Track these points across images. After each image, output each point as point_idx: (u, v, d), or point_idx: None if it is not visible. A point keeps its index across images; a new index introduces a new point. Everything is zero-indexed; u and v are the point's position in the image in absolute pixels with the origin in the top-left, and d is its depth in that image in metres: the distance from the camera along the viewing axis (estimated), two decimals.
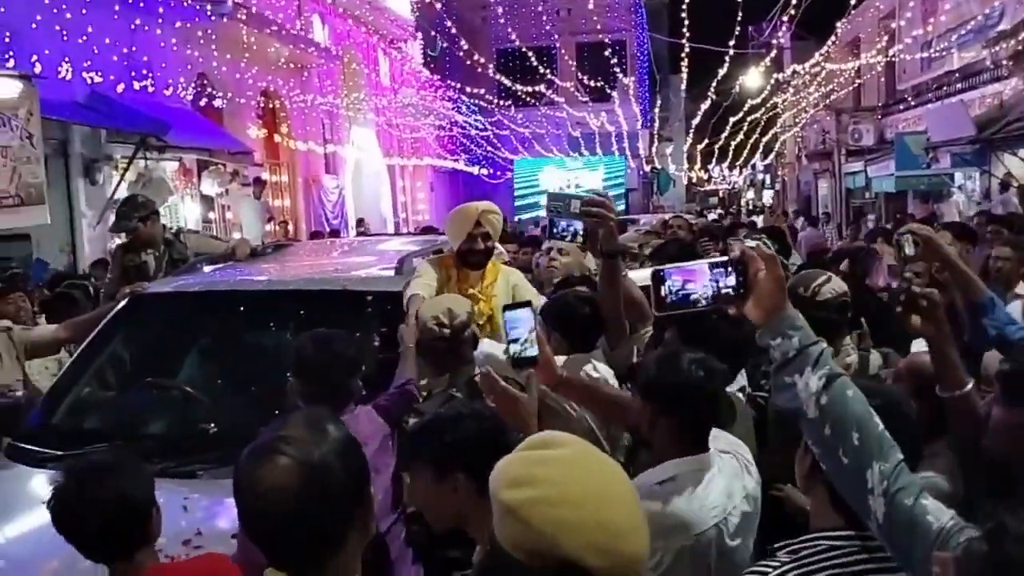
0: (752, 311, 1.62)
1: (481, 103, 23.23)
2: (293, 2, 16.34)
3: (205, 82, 12.94)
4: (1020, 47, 12.77)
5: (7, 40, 8.74)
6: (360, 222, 18.25)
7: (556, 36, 26.77)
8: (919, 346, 2.76)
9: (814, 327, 1.66)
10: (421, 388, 3.04)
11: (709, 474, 2.06)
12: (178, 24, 11.75)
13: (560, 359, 2.83)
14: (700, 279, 1.63)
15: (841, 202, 24.69)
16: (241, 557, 2.19)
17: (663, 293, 1.62)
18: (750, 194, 50.28)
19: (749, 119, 25.47)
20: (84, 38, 9.74)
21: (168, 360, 3.95)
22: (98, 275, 7.40)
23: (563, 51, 26.76)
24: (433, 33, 23.42)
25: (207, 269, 4.54)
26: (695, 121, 27.54)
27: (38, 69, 8.67)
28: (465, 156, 27.53)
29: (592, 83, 23.49)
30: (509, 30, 21.05)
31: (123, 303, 4.09)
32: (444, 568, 2.36)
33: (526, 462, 1.23)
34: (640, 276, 2.87)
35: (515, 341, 2.09)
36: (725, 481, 2.08)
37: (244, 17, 12.52)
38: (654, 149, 32.26)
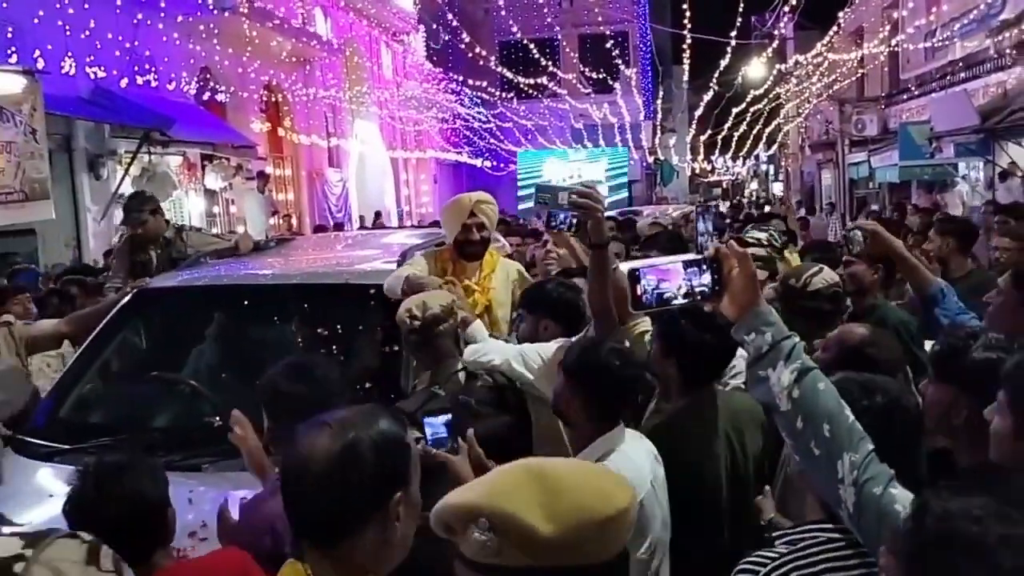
0: (727, 308, 1.67)
1: (484, 95, 23.21)
2: None
3: (208, 76, 12.96)
4: (1023, 36, 12.73)
5: (9, 35, 8.76)
6: (378, 215, 18.34)
7: (558, 28, 26.69)
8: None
9: (807, 317, 1.72)
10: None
11: (625, 444, 2.31)
12: (180, 18, 11.77)
13: (550, 345, 2.92)
14: (674, 278, 1.67)
15: (845, 192, 24.62)
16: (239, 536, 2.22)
17: (639, 291, 1.66)
18: (753, 185, 50.17)
19: (752, 110, 25.41)
20: (87, 33, 9.76)
21: (173, 354, 3.98)
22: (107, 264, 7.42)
23: (565, 43, 26.70)
24: (435, 26, 23.38)
25: (211, 263, 4.57)
26: (698, 112, 27.44)
27: (41, 64, 8.70)
28: (468, 148, 27.52)
29: (595, 75, 23.46)
30: (511, 22, 21.00)
31: (128, 298, 4.11)
32: None
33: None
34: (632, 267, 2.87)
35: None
36: (642, 447, 2.37)
37: (246, 11, 12.53)
38: (657, 140, 32.21)
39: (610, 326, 2.74)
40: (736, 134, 31.28)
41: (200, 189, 12.36)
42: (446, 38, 23.06)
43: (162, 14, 11.35)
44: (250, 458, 2.52)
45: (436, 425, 2.16)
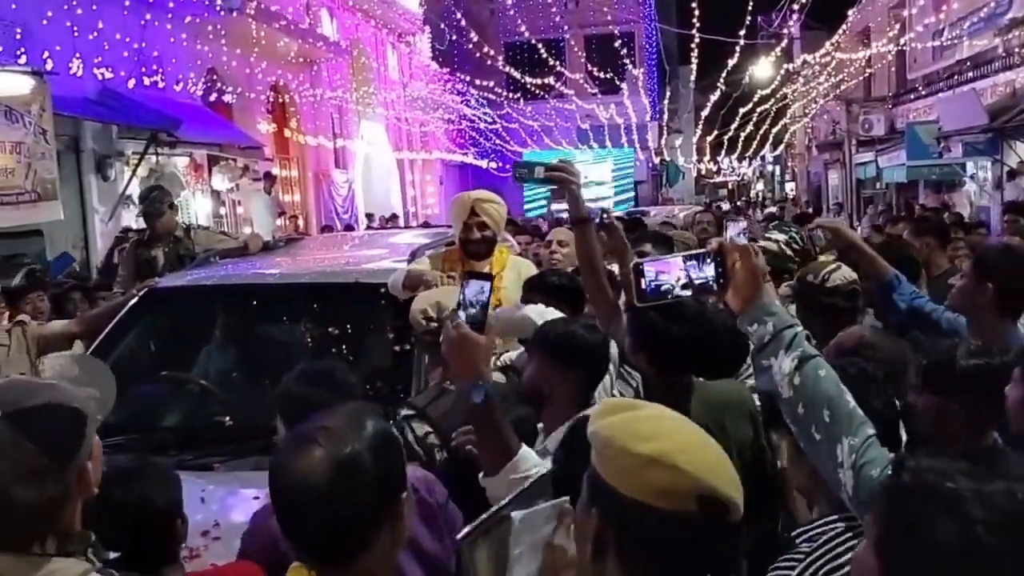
0: (732, 299, 1.72)
1: (490, 96, 23.21)
2: None
3: (215, 77, 12.98)
4: None
5: (18, 37, 8.77)
6: (394, 217, 18.37)
7: (564, 28, 26.67)
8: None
9: (824, 313, 1.74)
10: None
11: None
12: (188, 19, 11.79)
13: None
14: (674, 271, 1.71)
15: (852, 192, 24.57)
16: (245, 551, 2.16)
17: (642, 285, 1.69)
18: (759, 185, 50.09)
19: (759, 110, 25.38)
20: (95, 34, 9.77)
21: (183, 353, 3.98)
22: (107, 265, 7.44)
23: (572, 43, 26.66)
24: (442, 26, 23.40)
25: (220, 263, 4.57)
26: (704, 112, 27.42)
27: (49, 65, 8.71)
28: (474, 149, 27.52)
29: (601, 75, 23.43)
30: (517, 23, 21.01)
31: (138, 297, 4.11)
32: None
33: (641, 419, 1.30)
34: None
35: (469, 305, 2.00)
36: None
37: (253, 12, 12.54)
38: (663, 141, 32.18)
39: (606, 303, 2.71)
40: (742, 135, 31.23)
41: (207, 190, 12.37)
42: (452, 39, 23.09)
43: (169, 15, 11.38)
44: None
45: (477, 287, 1.94)
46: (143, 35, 10.98)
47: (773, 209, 19.99)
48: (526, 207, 24.63)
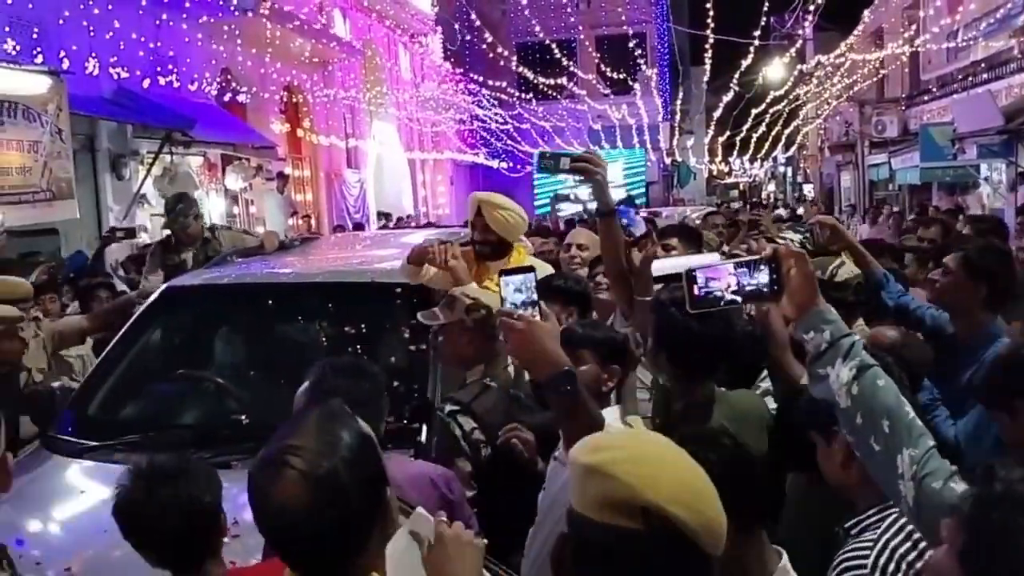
0: (786, 307, 1.70)
1: (502, 96, 23.23)
2: None
3: (229, 77, 13.04)
4: None
5: (35, 36, 8.84)
6: (409, 218, 18.42)
7: (576, 29, 26.66)
8: None
9: (834, 307, 1.74)
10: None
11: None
12: (202, 20, 11.84)
13: None
14: (724, 278, 1.69)
15: (864, 194, 24.46)
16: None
17: (695, 292, 1.68)
18: (771, 187, 49.91)
19: (771, 111, 25.29)
20: (111, 34, 9.83)
21: (200, 351, 4.00)
22: (128, 269, 7.47)
23: (583, 44, 26.66)
24: (455, 26, 23.43)
25: (238, 261, 4.59)
26: (716, 113, 27.35)
27: (66, 65, 8.77)
28: (485, 150, 27.54)
29: (613, 76, 23.40)
30: (529, 23, 21.01)
31: (155, 295, 4.14)
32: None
33: (602, 436, 1.32)
34: (659, 266, 2.84)
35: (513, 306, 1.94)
36: None
37: (267, 12, 12.59)
38: (675, 142, 32.11)
39: (628, 296, 2.71)
40: (755, 136, 31.14)
41: (221, 189, 12.43)
42: (466, 38, 23.11)
43: (184, 15, 11.44)
44: None
45: (517, 282, 1.84)
46: (158, 35, 11.04)
47: (781, 211, 19.93)
48: (537, 208, 24.63)
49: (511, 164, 27.71)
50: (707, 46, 16.36)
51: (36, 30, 8.82)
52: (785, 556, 1.71)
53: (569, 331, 2.41)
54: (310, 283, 4.10)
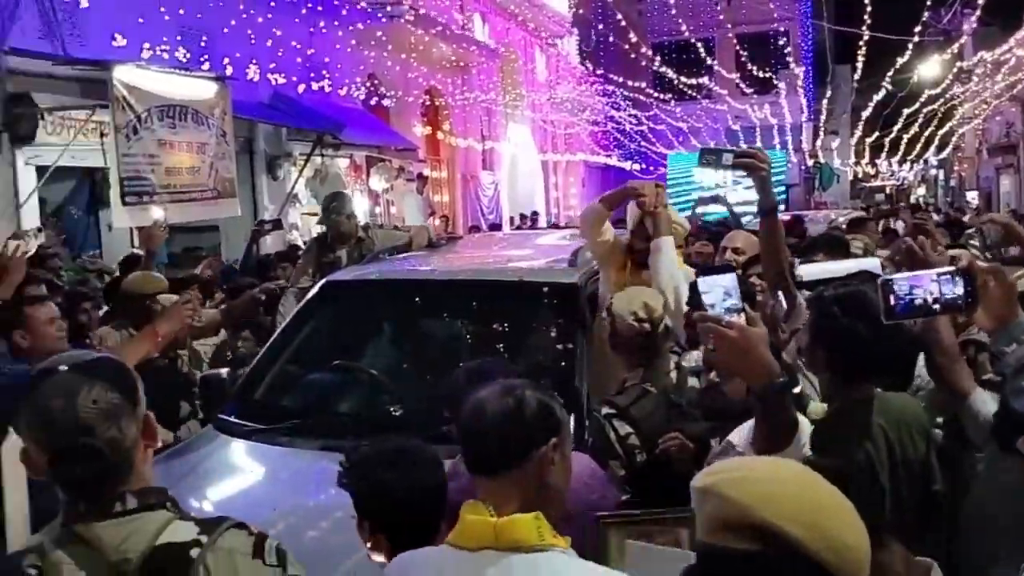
0: (982, 319, 1.69)
1: (637, 97, 23.03)
2: (456, 2, 16.79)
3: (375, 82, 13.53)
4: None
5: (203, 44, 9.47)
6: (535, 215, 18.58)
7: (715, 27, 26.10)
8: None
9: None
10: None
11: None
12: (352, 27, 12.34)
13: None
14: (926, 286, 1.63)
15: None
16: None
17: (892, 302, 1.63)
18: (921, 190, 47.16)
19: (925, 111, 23.91)
20: (270, 42, 10.41)
21: (356, 343, 4.17)
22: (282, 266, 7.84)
23: (723, 42, 26.05)
24: (595, 26, 23.42)
25: (391, 259, 4.76)
26: (865, 113, 26.08)
27: (229, 71, 9.35)
28: (618, 151, 27.37)
29: (753, 75, 22.76)
30: (667, 22, 20.74)
31: (316, 289, 4.35)
32: None
33: (727, 461, 1.29)
34: (810, 270, 2.76)
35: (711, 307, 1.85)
36: None
37: (412, 18, 12.99)
38: (818, 143, 30.88)
39: (789, 297, 2.63)
40: (905, 136, 29.51)
41: (365, 190, 12.92)
42: (606, 39, 23.05)
43: (336, 22, 11.96)
44: None
45: (720, 284, 1.75)
46: (312, 42, 11.60)
47: (935, 217, 18.78)
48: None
49: (644, 166, 27.43)
50: (861, 43, 15.64)
51: (204, 39, 9.45)
52: (936, 567, 1.61)
53: None
54: (459, 281, 4.20)
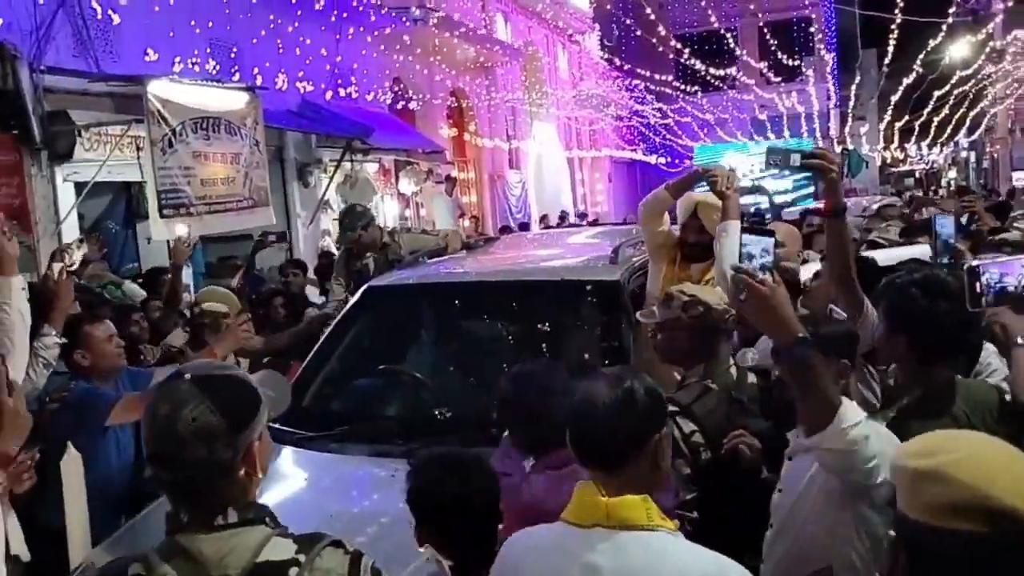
0: None
1: (662, 90, 22.90)
2: (478, 3, 16.81)
3: (401, 86, 13.59)
4: None
5: (232, 56, 9.56)
6: (582, 215, 18.52)
7: (737, 16, 25.88)
8: None
9: None
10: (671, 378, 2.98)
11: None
12: (377, 32, 12.40)
13: None
14: (1018, 272, 1.60)
15: None
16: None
17: (978, 289, 1.60)
18: (952, 173, 46.39)
19: (955, 92, 23.52)
20: (298, 51, 10.49)
21: (400, 348, 4.19)
22: (285, 273, 7.89)
23: (746, 31, 25.83)
24: (612, 23, 23.33)
25: (429, 263, 4.77)
26: (894, 97, 25.71)
27: (259, 81, 9.43)
28: (643, 145, 27.25)
29: (778, 63, 22.54)
30: (690, 13, 20.59)
31: (358, 295, 4.37)
32: None
33: (930, 438, 1.25)
34: (885, 255, 2.72)
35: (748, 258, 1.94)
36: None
37: (436, 21, 13.03)
38: (846, 129, 30.51)
39: (855, 297, 2.59)
40: (936, 119, 29.06)
41: (394, 194, 12.99)
42: (628, 33, 22.94)
43: (362, 28, 12.03)
44: None
45: (758, 244, 1.88)
46: (338, 49, 11.67)
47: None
48: None
49: (669, 159, 27.27)
50: (893, 27, 15.39)
51: (234, 50, 9.54)
52: None
53: None
54: (503, 282, 4.20)
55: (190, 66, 8.76)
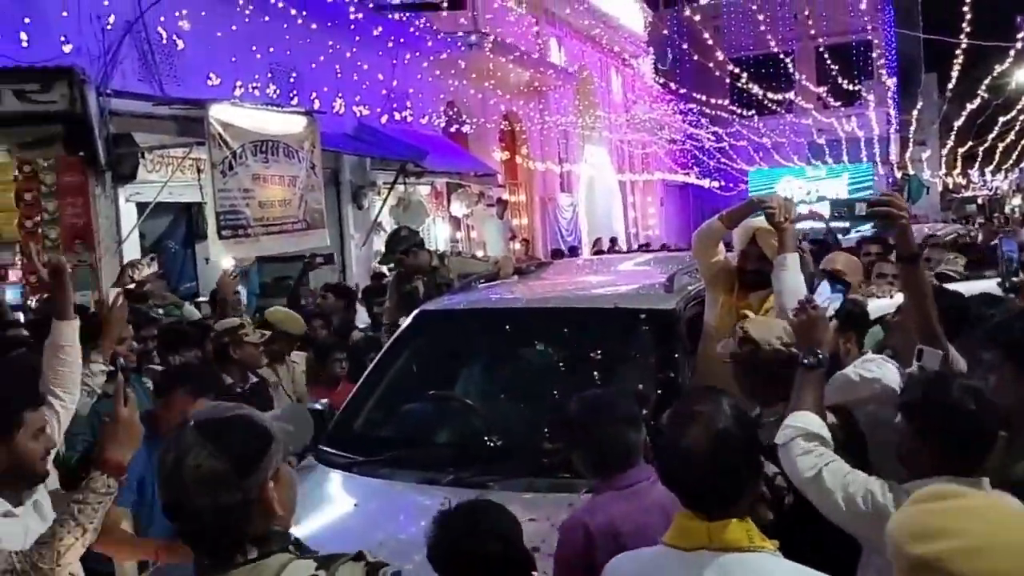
0: None
1: (717, 114, 22.73)
2: (532, 27, 16.90)
3: (455, 109, 13.71)
4: None
5: (292, 80, 9.75)
6: (613, 241, 18.41)
7: (794, 40, 25.61)
8: None
9: None
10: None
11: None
12: (433, 57, 12.55)
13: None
14: None
15: None
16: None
17: None
18: (1016, 200, 45.06)
19: (1022, 118, 22.89)
20: (355, 75, 10.65)
21: (453, 373, 4.16)
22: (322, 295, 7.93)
23: (803, 55, 25.54)
24: (666, 47, 23.28)
25: (482, 288, 4.75)
26: (958, 123, 25.14)
27: (317, 105, 9.59)
28: (696, 169, 27.04)
29: (837, 87, 22.22)
30: (745, 37, 20.43)
31: (411, 319, 4.36)
32: None
33: (931, 514, 1.16)
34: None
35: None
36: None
37: (490, 45, 13.13)
38: (907, 155, 29.89)
39: (940, 344, 2.47)
40: (1001, 145, 28.32)
41: (446, 216, 13.06)
42: (683, 57, 22.87)
43: (418, 53, 12.18)
44: None
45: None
46: (394, 74, 11.84)
47: None
48: None
49: (723, 183, 27.00)
50: (957, 52, 15.06)
51: (293, 75, 9.73)
52: None
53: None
54: (556, 308, 4.16)
55: (251, 90, 8.96)
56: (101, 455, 2.24)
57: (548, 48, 17.98)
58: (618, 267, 6.12)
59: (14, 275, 7.93)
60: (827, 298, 2.32)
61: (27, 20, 6.90)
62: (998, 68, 16.84)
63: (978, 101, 20.44)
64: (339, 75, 10.41)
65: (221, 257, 7.50)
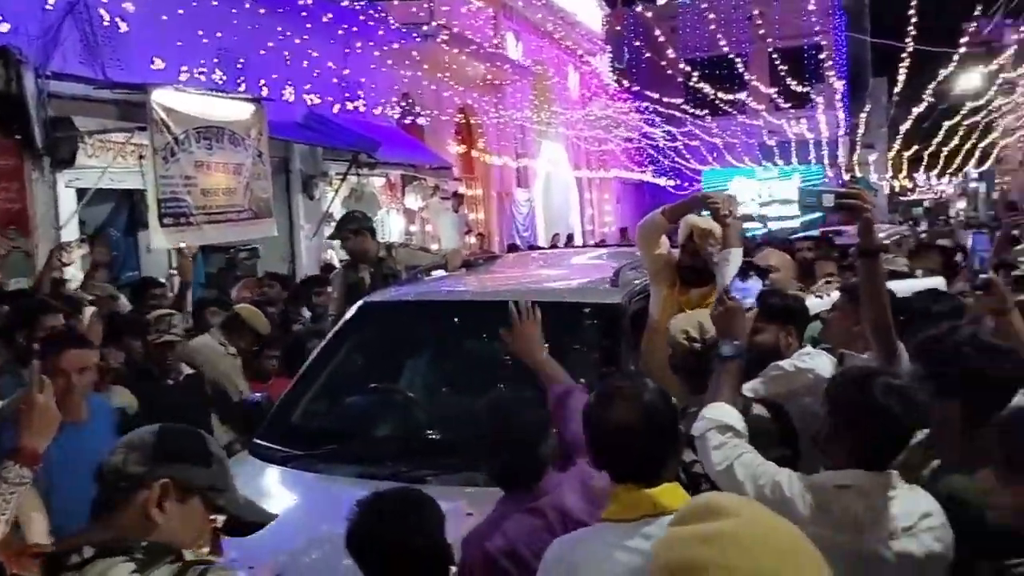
0: None
1: (672, 113, 22.90)
2: (490, 21, 16.82)
3: (409, 101, 13.56)
4: None
5: (239, 66, 9.53)
6: (570, 238, 18.39)
7: (748, 42, 25.90)
8: None
9: None
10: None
11: (892, 492, 1.98)
12: (386, 47, 12.39)
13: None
14: None
15: None
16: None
17: None
18: (960, 204, 46.32)
19: (966, 123, 23.49)
20: (305, 63, 10.45)
21: (395, 366, 4.09)
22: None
23: (756, 57, 25.84)
24: (623, 45, 23.37)
25: (428, 280, 4.68)
26: (904, 126, 25.70)
27: (265, 92, 9.38)
28: (652, 168, 27.23)
29: (788, 89, 22.53)
30: (700, 38, 20.61)
31: (353, 311, 4.27)
32: None
33: (692, 541, 1.16)
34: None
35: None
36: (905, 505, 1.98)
37: (446, 37, 13.01)
38: (855, 157, 30.48)
39: (888, 343, 2.49)
40: (945, 149, 29.04)
41: (400, 209, 12.92)
42: (639, 56, 22.98)
43: (371, 43, 12.00)
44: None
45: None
46: (347, 62, 11.65)
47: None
48: None
49: (678, 182, 27.23)
50: (903, 56, 15.37)
51: (241, 61, 9.51)
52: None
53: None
54: (501, 301, 4.09)
55: (196, 76, 8.72)
56: (15, 443, 2.14)
57: (505, 42, 17.91)
58: (566, 261, 6.10)
59: None
60: (743, 288, 2.25)
61: None
62: (943, 73, 17.24)
63: (924, 105, 20.91)
64: (289, 62, 10.20)
65: (163, 246, 7.30)
